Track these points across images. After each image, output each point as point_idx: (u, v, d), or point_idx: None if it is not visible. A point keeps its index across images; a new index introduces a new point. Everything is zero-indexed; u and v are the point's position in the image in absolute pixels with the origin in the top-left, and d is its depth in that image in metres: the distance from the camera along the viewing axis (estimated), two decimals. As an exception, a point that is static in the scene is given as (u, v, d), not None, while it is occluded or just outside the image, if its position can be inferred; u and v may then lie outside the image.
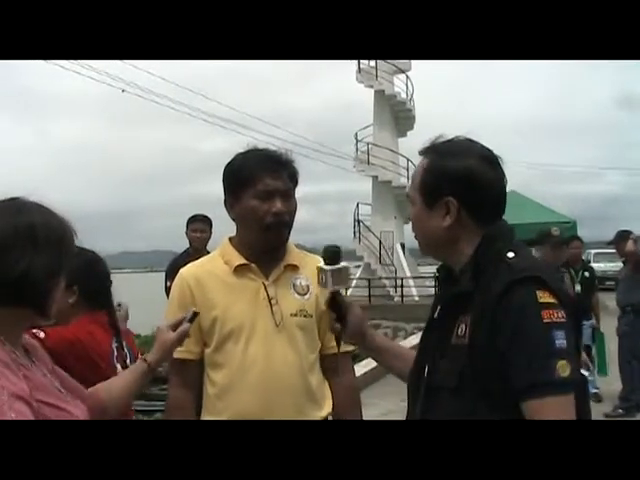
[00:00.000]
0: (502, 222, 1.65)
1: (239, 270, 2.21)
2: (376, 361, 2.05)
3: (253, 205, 2.15)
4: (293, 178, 2.23)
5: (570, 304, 1.48)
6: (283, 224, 2.19)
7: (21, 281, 1.40)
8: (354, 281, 24.39)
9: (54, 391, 1.51)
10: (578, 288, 7.57)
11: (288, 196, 2.19)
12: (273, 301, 2.17)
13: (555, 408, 1.38)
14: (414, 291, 23.87)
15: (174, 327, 2.04)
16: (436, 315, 1.69)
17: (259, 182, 2.14)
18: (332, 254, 1.89)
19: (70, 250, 1.54)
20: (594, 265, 9.10)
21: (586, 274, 7.87)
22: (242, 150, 2.26)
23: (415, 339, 10.51)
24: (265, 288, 2.19)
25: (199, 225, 6.11)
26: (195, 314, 2.04)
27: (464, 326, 1.52)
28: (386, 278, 24.77)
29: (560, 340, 1.39)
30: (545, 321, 1.40)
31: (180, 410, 2.22)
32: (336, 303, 1.91)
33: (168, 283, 5.74)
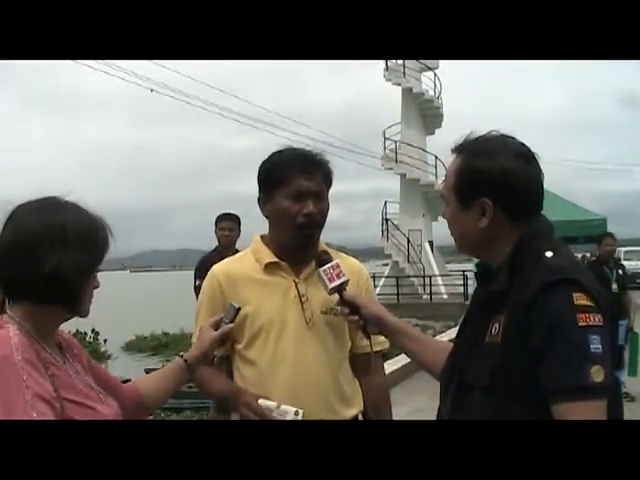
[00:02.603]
0: (541, 218, 1.61)
1: (270, 267, 2.22)
2: (396, 345, 2.05)
3: (285, 205, 2.15)
4: (327, 179, 2.23)
5: (608, 307, 1.44)
6: (314, 225, 2.18)
7: (51, 278, 1.42)
8: (382, 279, 24.37)
9: (83, 389, 1.52)
10: (615, 287, 7.44)
11: (320, 197, 2.19)
12: (304, 299, 2.17)
13: (586, 413, 1.34)
14: (443, 289, 23.77)
15: (215, 326, 2.05)
16: (472, 312, 1.67)
17: (292, 182, 2.14)
18: (318, 259, 2.09)
19: (103, 249, 1.56)
20: (625, 263, 8.98)
21: (620, 272, 7.74)
22: (277, 149, 2.26)
23: (444, 337, 10.45)
24: (296, 286, 2.19)
25: (227, 223, 6.13)
26: (237, 310, 2.06)
27: (498, 325, 1.50)
28: (414, 276, 24.69)
29: (595, 344, 1.35)
30: (580, 325, 1.36)
31: (213, 374, 2.22)
32: (344, 299, 2.03)
33: (197, 282, 5.77)
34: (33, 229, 1.45)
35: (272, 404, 2.03)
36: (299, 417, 2.02)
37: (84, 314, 1.56)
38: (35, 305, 1.47)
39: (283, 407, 2.02)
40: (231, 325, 2.05)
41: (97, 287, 1.57)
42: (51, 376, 1.41)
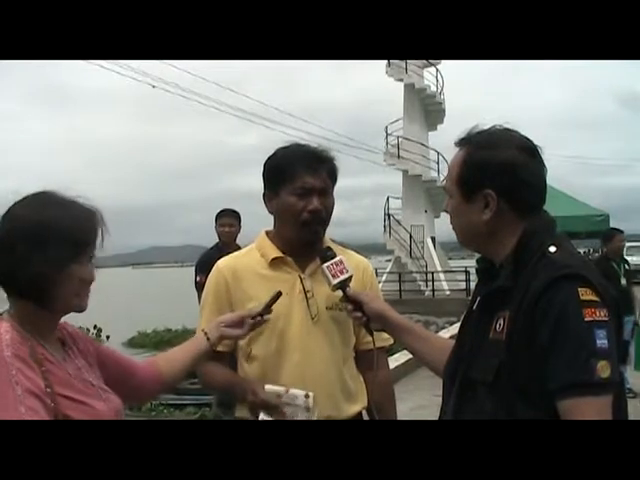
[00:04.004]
0: (544, 214, 1.61)
1: (275, 263, 2.22)
2: (399, 342, 2.04)
3: (290, 201, 2.14)
4: (332, 175, 2.22)
5: (613, 302, 1.43)
6: (319, 221, 2.17)
7: (29, 278, 1.42)
8: (384, 275, 24.38)
9: (80, 386, 1.51)
10: (624, 282, 7.42)
11: (326, 194, 2.18)
12: (309, 294, 2.17)
13: (593, 409, 1.33)
14: (445, 285, 23.79)
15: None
16: (474, 308, 1.66)
17: (297, 179, 2.13)
18: (321, 255, 2.09)
19: (88, 243, 1.53)
20: (627, 258, 9.01)
21: (626, 267, 7.71)
22: (282, 145, 2.25)
23: (446, 333, 10.46)
24: (301, 281, 2.19)
25: (227, 220, 6.12)
26: (278, 294, 2.04)
27: (502, 321, 1.49)
28: (417, 272, 24.70)
29: (601, 340, 1.34)
30: (587, 320, 1.35)
31: (218, 367, 2.23)
32: (347, 295, 2.03)
33: (198, 278, 5.76)
34: (17, 228, 1.45)
35: (281, 389, 2.02)
36: (310, 400, 2.00)
37: (77, 310, 1.54)
38: (27, 302, 1.47)
39: (292, 391, 2.02)
40: (253, 319, 2.02)
41: (92, 282, 1.55)
42: (45, 372, 1.42)
